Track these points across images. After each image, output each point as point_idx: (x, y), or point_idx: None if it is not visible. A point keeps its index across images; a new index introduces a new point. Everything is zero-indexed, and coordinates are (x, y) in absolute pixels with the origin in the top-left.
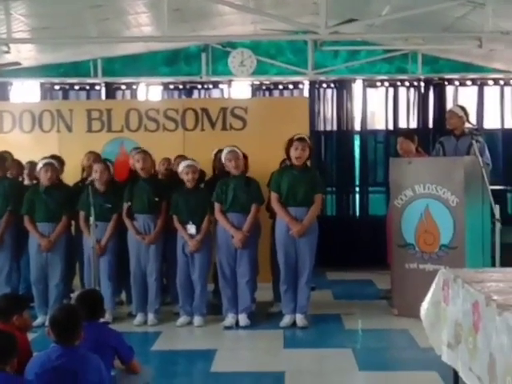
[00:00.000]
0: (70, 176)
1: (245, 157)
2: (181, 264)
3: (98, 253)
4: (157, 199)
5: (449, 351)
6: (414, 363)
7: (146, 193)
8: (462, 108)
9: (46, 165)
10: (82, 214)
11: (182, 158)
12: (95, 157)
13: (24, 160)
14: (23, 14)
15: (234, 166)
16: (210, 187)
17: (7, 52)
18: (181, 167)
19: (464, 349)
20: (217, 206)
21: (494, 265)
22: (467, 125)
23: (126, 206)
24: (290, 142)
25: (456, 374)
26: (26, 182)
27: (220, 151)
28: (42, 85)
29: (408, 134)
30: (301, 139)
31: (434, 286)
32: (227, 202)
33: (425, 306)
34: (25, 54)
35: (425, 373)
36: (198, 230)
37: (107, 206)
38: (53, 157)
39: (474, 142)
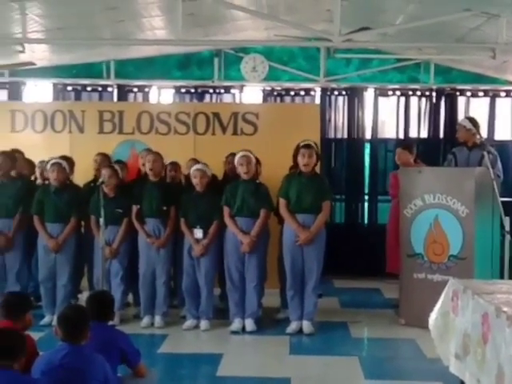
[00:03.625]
0: (81, 176)
1: (258, 162)
2: (187, 267)
3: (108, 256)
4: (165, 208)
5: (457, 362)
6: (420, 373)
7: (155, 198)
8: (471, 120)
9: (53, 165)
10: (92, 216)
11: (194, 161)
12: (103, 159)
13: (35, 160)
14: (38, 14)
15: (245, 170)
16: (220, 191)
17: (22, 52)
18: (191, 170)
19: (472, 360)
20: (225, 209)
21: (502, 277)
22: (478, 136)
23: (135, 208)
24: (297, 149)
25: None
26: (39, 181)
27: (231, 155)
28: (54, 85)
29: (406, 145)
30: (307, 146)
31: (443, 296)
32: (235, 206)
33: (433, 316)
34: (39, 54)
35: (431, 383)
36: (206, 234)
37: (118, 211)
38: (63, 157)
39: (485, 153)
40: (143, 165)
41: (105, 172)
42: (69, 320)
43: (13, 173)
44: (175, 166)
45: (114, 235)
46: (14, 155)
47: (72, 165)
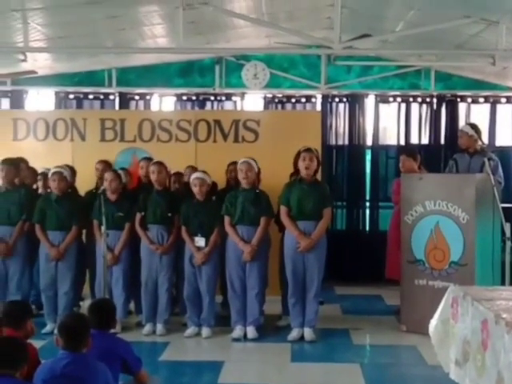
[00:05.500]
0: (83, 184)
1: (258, 170)
2: (188, 275)
3: (110, 262)
4: (170, 214)
5: (457, 369)
6: (421, 380)
7: (160, 206)
8: (473, 126)
9: (54, 174)
10: (95, 222)
11: (192, 168)
12: (105, 167)
13: (37, 167)
14: (40, 23)
15: (244, 176)
16: (221, 199)
17: (24, 60)
18: (191, 179)
19: (472, 367)
20: (226, 218)
21: (503, 283)
22: (480, 142)
23: (138, 216)
24: (298, 155)
25: None
26: (40, 190)
27: (233, 163)
28: (56, 93)
29: (410, 152)
30: (308, 150)
31: (443, 302)
32: (236, 215)
33: (433, 322)
34: (41, 62)
35: None
36: (207, 242)
37: (119, 215)
38: (64, 166)
39: (486, 160)
40: (145, 175)
41: (107, 175)
42: (69, 329)
43: (16, 181)
44: (178, 176)
45: (115, 241)
46: (19, 163)
47: (74, 174)
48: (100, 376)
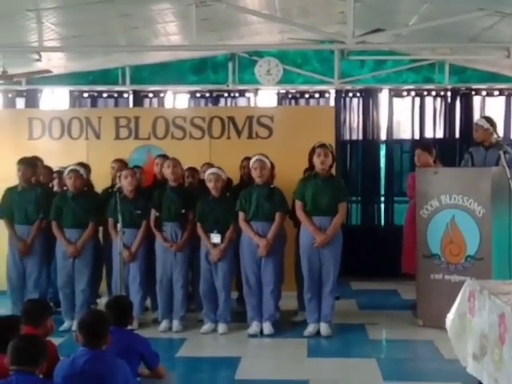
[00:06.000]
0: (99, 182)
1: (272, 165)
2: (204, 272)
3: (127, 259)
4: (183, 211)
5: (474, 363)
6: (438, 374)
7: (174, 203)
8: (488, 119)
9: (69, 172)
10: (110, 220)
11: (208, 165)
12: (120, 166)
13: (53, 166)
14: (54, 22)
15: (259, 174)
16: (235, 195)
17: (38, 60)
18: (205, 175)
19: (489, 360)
20: (241, 214)
21: None
22: (495, 135)
23: (153, 215)
24: (313, 150)
25: None
26: (56, 188)
27: (246, 159)
28: (71, 92)
29: (426, 146)
30: (322, 145)
31: (459, 297)
32: (250, 211)
33: (450, 317)
34: (55, 61)
35: None
36: (223, 238)
37: (137, 213)
38: (79, 164)
39: (501, 153)
40: (160, 172)
41: (125, 173)
42: (89, 325)
43: (32, 180)
44: (193, 171)
45: (132, 238)
46: (35, 162)
47: (88, 171)
48: (119, 372)
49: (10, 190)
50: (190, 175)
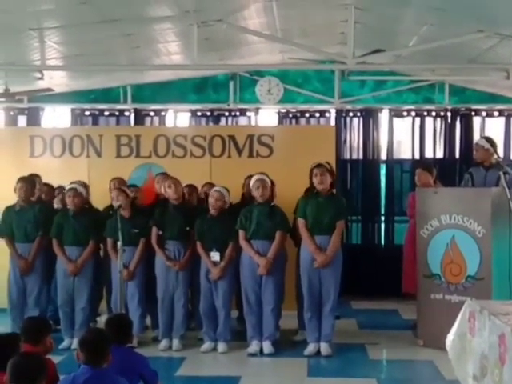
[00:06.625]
0: (99, 200)
1: (272, 184)
2: (204, 290)
3: (125, 278)
4: (188, 228)
5: (475, 383)
6: None
7: (177, 221)
8: (489, 140)
9: (69, 190)
10: (109, 239)
11: (210, 185)
12: (119, 183)
13: (54, 184)
14: (57, 41)
15: (261, 193)
16: (237, 213)
17: (40, 78)
18: (211, 190)
19: (490, 381)
20: (241, 233)
21: None
22: (496, 156)
23: (155, 232)
24: (311, 171)
25: None
26: (57, 205)
27: (249, 177)
28: (72, 110)
29: (426, 166)
30: (319, 165)
31: (460, 317)
32: (251, 230)
33: (450, 337)
34: (57, 80)
35: None
36: (222, 256)
37: (134, 232)
38: (78, 182)
39: (501, 173)
40: (160, 189)
41: (113, 194)
42: (91, 343)
43: (32, 198)
44: (191, 188)
45: (130, 257)
46: (34, 180)
47: (87, 189)
48: None
49: (8, 209)
50: (188, 192)
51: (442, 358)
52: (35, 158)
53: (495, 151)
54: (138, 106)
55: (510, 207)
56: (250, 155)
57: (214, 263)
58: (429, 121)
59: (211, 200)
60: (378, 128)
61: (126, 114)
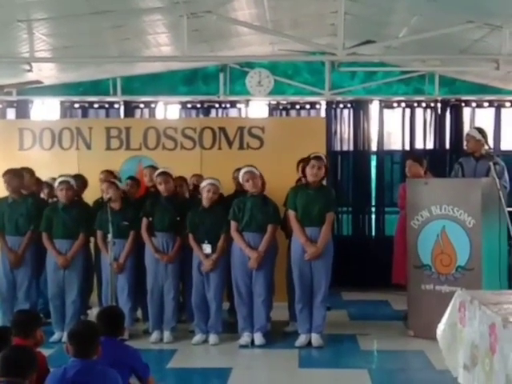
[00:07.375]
0: (89, 193)
1: (260, 176)
2: (196, 283)
3: (116, 270)
4: (178, 218)
5: (465, 373)
6: None
7: (168, 211)
8: (480, 130)
9: (61, 183)
10: (99, 233)
11: (198, 176)
12: (106, 176)
13: (43, 176)
14: (45, 33)
15: (252, 185)
16: (228, 205)
17: (29, 71)
18: (204, 184)
19: (480, 371)
20: (233, 224)
21: (510, 287)
22: (486, 146)
23: (145, 221)
24: (307, 160)
25: None
26: (45, 198)
27: (238, 170)
28: (61, 103)
29: (416, 157)
30: (318, 158)
31: (450, 307)
32: (243, 221)
33: (441, 327)
34: (46, 72)
35: None
36: (214, 249)
37: (124, 224)
38: (76, 176)
39: (491, 164)
40: (150, 182)
41: (103, 187)
42: (79, 336)
43: (23, 191)
44: (181, 180)
45: (120, 249)
46: (21, 173)
47: (83, 183)
48: (110, 383)
49: (0, 202)
50: (179, 184)
51: (432, 348)
52: (25, 150)
53: (486, 142)
54: (128, 98)
55: (500, 197)
56: (241, 147)
57: (206, 255)
58: (419, 112)
59: (207, 194)
60: (369, 119)
61: (116, 106)
